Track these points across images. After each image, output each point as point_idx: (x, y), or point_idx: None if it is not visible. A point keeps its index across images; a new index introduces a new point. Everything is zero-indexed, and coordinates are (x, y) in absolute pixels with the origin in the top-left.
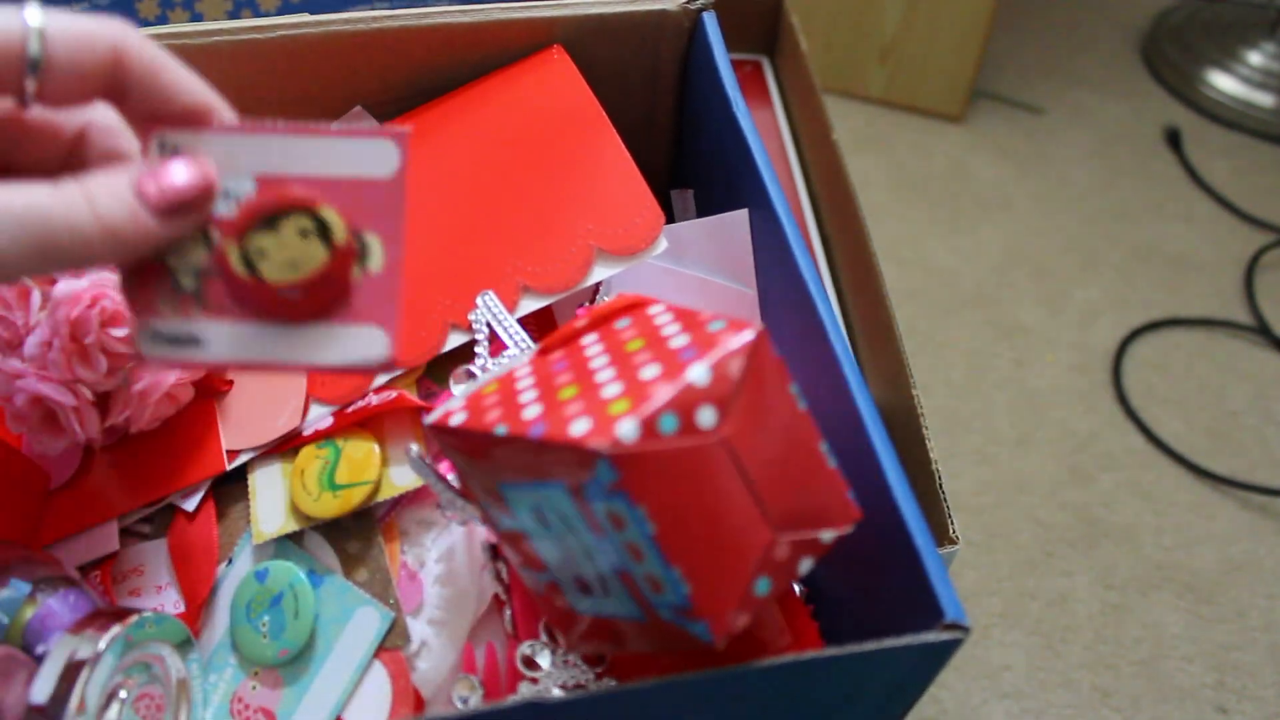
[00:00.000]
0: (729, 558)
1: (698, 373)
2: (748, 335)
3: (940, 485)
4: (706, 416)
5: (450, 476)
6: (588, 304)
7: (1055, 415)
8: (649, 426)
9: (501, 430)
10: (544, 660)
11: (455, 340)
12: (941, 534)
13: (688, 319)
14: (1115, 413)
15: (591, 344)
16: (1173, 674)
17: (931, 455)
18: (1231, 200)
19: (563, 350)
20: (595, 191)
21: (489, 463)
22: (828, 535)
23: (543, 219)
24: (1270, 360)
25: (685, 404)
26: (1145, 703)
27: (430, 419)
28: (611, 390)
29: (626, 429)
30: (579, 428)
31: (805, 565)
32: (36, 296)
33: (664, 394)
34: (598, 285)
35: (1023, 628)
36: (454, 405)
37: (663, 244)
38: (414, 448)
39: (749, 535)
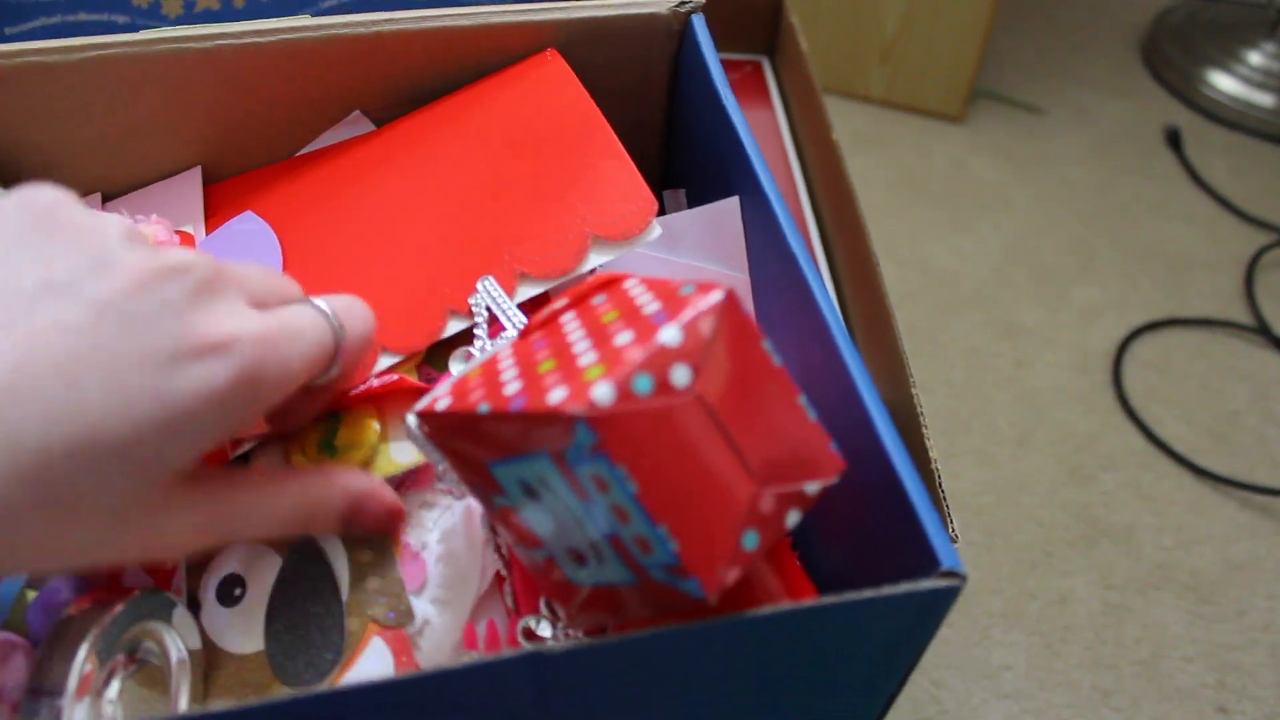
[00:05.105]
0: (714, 512)
1: (669, 334)
2: (716, 296)
3: (940, 485)
4: (681, 375)
5: None
6: None
7: (1055, 415)
8: (624, 388)
9: (484, 408)
10: (545, 632)
11: (455, 327)
12: None
13: (660, 288)
14: (1115, 413)
15: (569, 321)
16: (1173, 674)
17: (931, 455)
18: (1231, 200)
19: (541, 331)
20: (589, 180)
21: (475, 443)
22: (813, 487)
23: (539, 209)
24: (1270, 360)
25: (659, 364)
26: (1145, 703)
27: (417, 407)
28: (587, 359)
29: (602, 392)
30: (556, 396)
31: (793, 518)
32: None
33: (637, 356)
34: (593, 271)
35: (1023, 628)
36: (439, 393)
37: (656, 229)
38: (411, 418)
39: (732, 489)
